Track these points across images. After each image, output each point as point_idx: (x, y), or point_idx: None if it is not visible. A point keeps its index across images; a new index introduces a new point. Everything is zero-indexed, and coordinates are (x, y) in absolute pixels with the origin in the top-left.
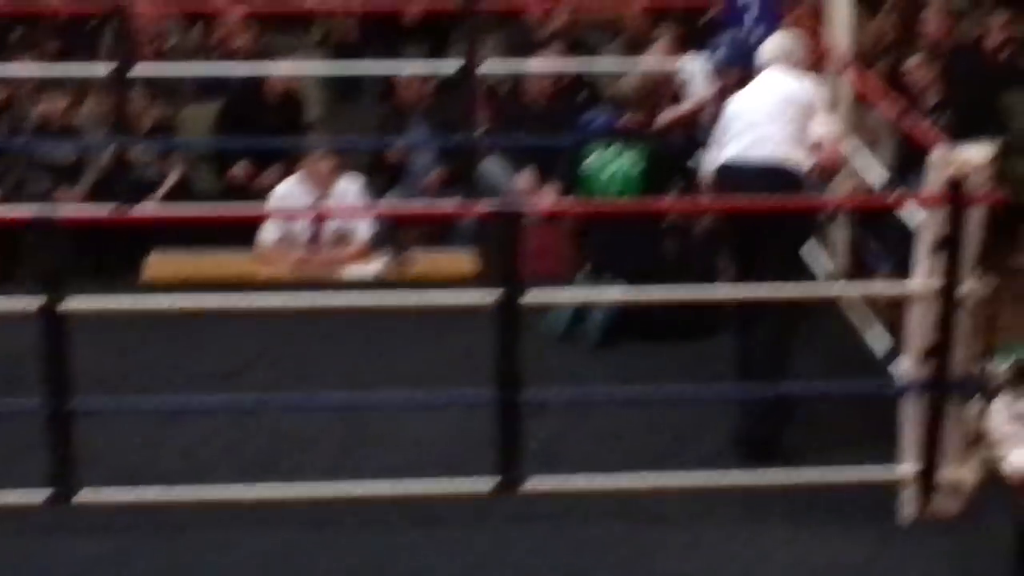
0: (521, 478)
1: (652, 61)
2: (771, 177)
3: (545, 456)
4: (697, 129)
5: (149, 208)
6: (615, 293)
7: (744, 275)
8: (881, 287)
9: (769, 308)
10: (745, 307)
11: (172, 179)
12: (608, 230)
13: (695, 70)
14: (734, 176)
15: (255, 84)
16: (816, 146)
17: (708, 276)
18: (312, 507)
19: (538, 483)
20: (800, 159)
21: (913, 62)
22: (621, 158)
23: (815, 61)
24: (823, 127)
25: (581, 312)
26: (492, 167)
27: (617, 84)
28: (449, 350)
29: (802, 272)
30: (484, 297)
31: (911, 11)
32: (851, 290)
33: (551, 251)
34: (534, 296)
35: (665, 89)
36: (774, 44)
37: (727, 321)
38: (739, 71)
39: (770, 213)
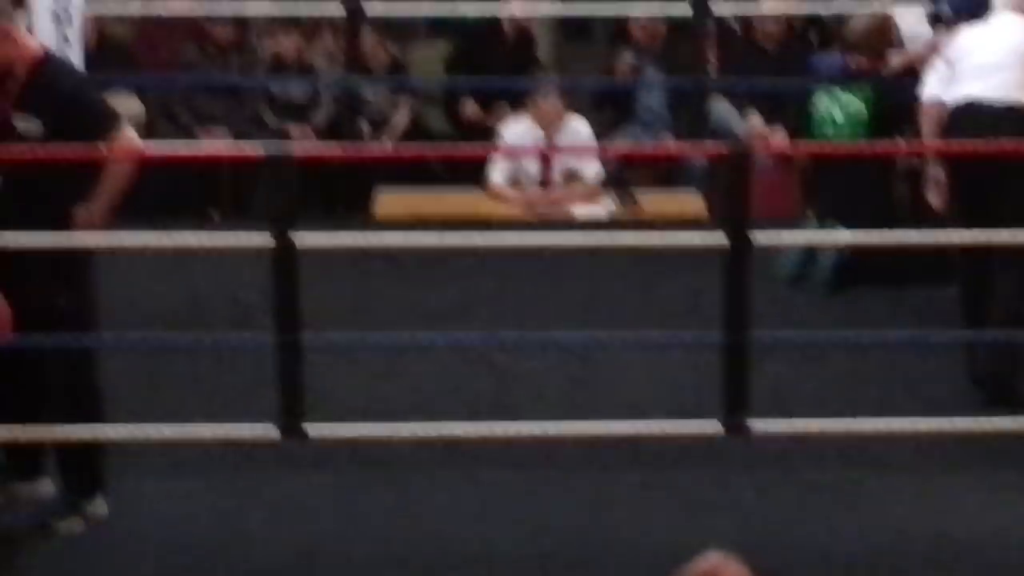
0: (747, 421)
1: (881, 4)
2: (1011, 121)
3: (772, 399)
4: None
5: (380, 146)
6: (845, 236)
7: (974, 219)
8: None
9: (1010, 255)
10: (979, 252)
11: (403, 118)
12: (837, 173)
13: (915, 18)
14: (970, 118)
15: (487, 23)
16: None
17: (939, 220)
18: (537, 446)
19: (765, 425)
20: None
21: None
22: (850, 101)
23: None
24: None
25: (810, 256)
26: (722, 109)
27: (847, 26)
28: (677, 291)
29: None
30: (713, 238)
31: None
32: None
33: (780, 194)
34: (763, 238)
35: (893, 33)
36: None
37: (958, 266)
38: (967, 18)
39: (1009, 157)
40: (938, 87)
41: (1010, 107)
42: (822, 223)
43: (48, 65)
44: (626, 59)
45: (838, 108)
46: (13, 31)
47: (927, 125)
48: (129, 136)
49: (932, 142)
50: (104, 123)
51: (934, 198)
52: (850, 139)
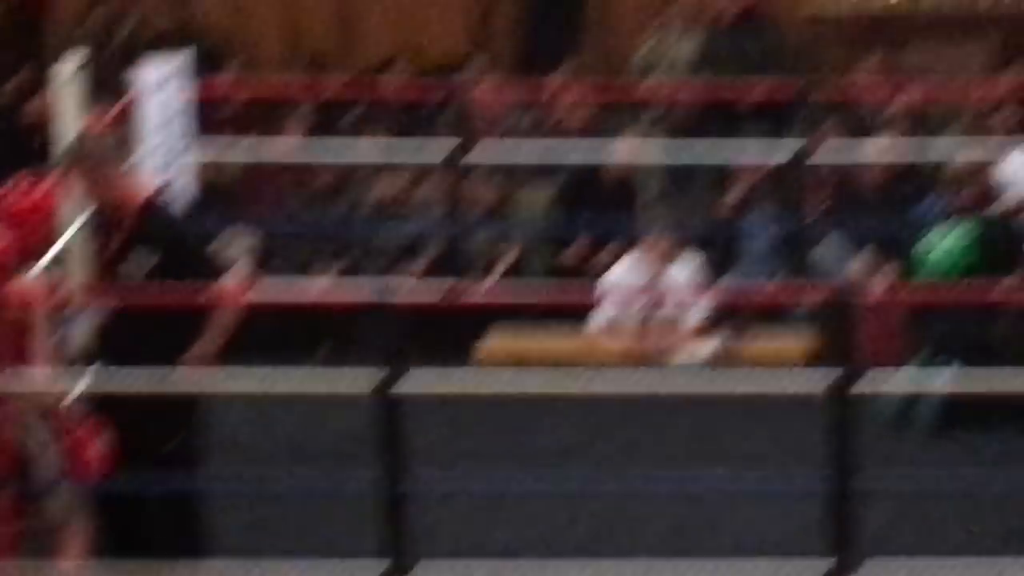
0: (855, 564)
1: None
2: None
3: (879, 542)
4: None
5: (484, 288)
6: (949, 377)
7: None
8: None
9: None
10: None
11: (508, 260)
12: (943, 310)
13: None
14: None
15: (591, 166)
16: None
17: None
18: None
19: (872, 569)
20: None
21: None
22: (953, 233)
23: None
24: None
25: (913, 398)
26: (828, 251)
27: (949, 166)
28: (781, 435)
29: None
30: (818, 382)
31: None
32: None
33: (886, 336)
34: (870, 382)
35: (992, 174)
36: None
37: None
38: None
39: None
40: None
41: None
42: (932, 359)
43: (156, 208)
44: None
45: (941, 242)
46: (123, 175)
47: None
48: (235, 280)
49: None
50: (209, 267)
51: None
52: (951, 270)
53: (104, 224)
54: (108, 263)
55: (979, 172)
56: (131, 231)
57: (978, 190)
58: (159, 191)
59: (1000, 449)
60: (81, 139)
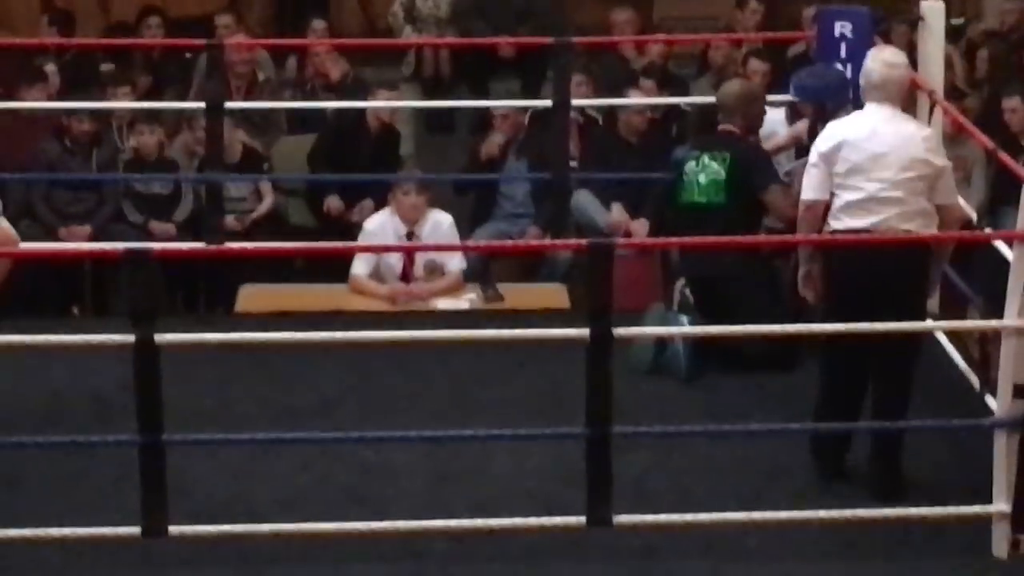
0: (611, 513)
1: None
2: (907, 257)
3: (636, 491)
4: None
5: (242, 242)
6: (699, 327)
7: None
8: (974, 322)
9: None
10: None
11: (264, 211)
12: (693, 256)
13: (776, 118)
14: (866, 250)
15: (350, 118)
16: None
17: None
18: (402, 540)
19: (628, 519)
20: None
21: (1010, 103)
22: (711, 163)
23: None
24: (950, 197)
25: (664, 343)
26: (585, 200)
27: (719, 91)
28: (540, 384)
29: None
30: (576, 331)
31: (1004, 46)
32: (945, 325)
33: (642, 284)
34: (625, 330)
35: (762, 106)
36: (883, 70)
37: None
38: (826, 105)
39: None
40: (819, 191)
41: (901, 242)
42: (678, 309)
43: None
44: (495, 140)
45: (701, 173)
46: None
47: (807, 224)
48: (4, 226)
49: (807, 237)
50: None
51: (808, 292)
52: (709, 202)
53: None
54: None
55: (747, 95)
56: None
57: (744, 115)
58: None
59: (749, 395)
60: None
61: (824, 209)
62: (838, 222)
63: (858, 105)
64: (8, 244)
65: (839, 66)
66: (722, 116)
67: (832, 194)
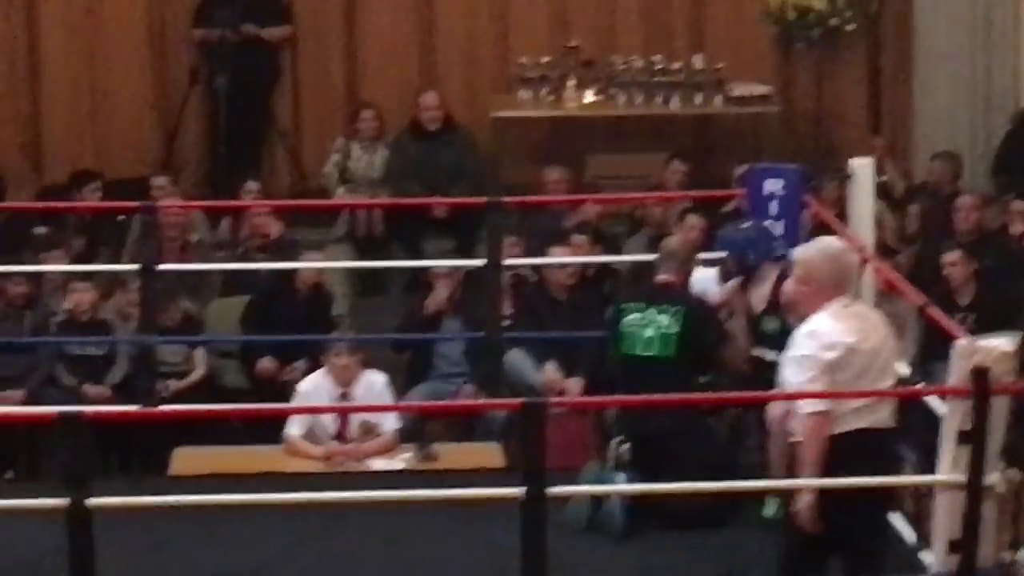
0: None
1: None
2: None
3: None
4: None
5: (177, 405)
6: (634, 485)
7: None
8: (908, 477)
9: None
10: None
11: (199, 374)
12: (629, 414)
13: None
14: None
15: (283, 279)
16: None
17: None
18: None
19: None
20: None
21: (950, 258)
22: (660, 317)
23: None
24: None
25: (600, 500)
26: (518, 359)
27: (665, 241)
28: (476, 543)
29: None
30: (511, 490)
31: (934, 202)
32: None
33: (577, 442)
34: (560, 489)
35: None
36: (838, 264)
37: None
38: (748, 257)
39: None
40: (828, 401)
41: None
42: (613, 467)
43: None
44: (440, 295)
45: (648, 324)
46: None
47: (817, 441)
48: None
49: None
50: None
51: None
52: (659, 355)
53: None
54: None
55: (687, 246)
56: None
57: (682, 267)
58: None
59: (685, 552)
60: None
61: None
62: (845, 425)
63: (782, 259)
64: None
65: (769, 223)
66: (664, 268)
67: None
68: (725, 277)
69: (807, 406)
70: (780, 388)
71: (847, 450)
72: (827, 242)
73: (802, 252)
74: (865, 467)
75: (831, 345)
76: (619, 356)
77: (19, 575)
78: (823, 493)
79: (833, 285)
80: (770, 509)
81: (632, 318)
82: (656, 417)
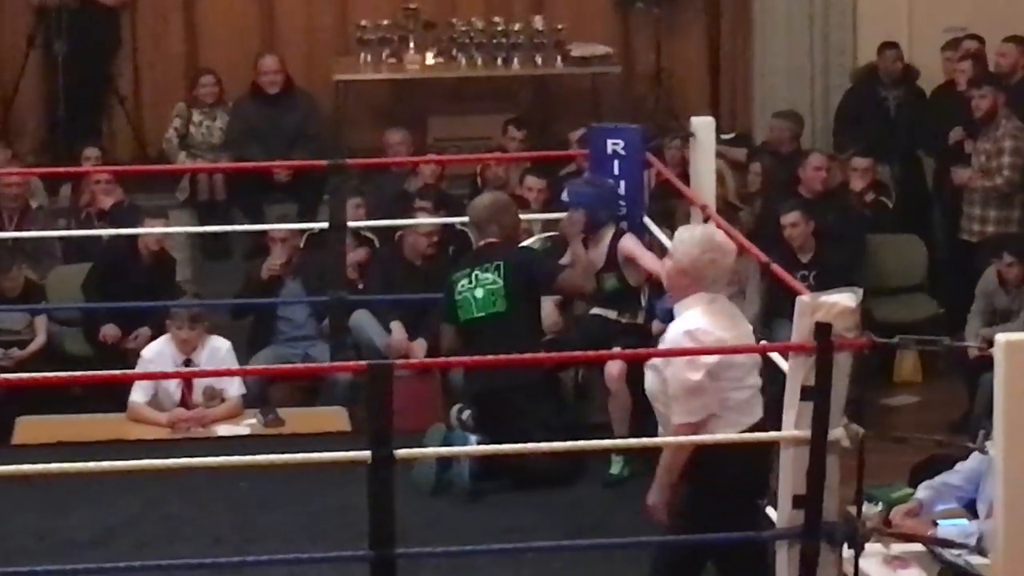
0: None
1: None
2: None
3: None
4: None
5: (17, 373)
6: (479, 447)
7: None
8: (751, 436)
9: None
10: None
11: (40, 342)
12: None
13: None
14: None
15: (125, 245)
16: None
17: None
18: None
19: None
20: None
21: (789, 219)
22: (484, 275)
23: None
24: None
25: (446, 462)
26: (363, 320)
27: (469, 206)
28: (323, 507)
29: None
30: (357, 453)
31: (775, 160)
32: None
33: (423, 404)
34: (407, 451)
35: (515, 216)
36: (710, 258)
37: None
38: (598, 214)
39: None
40: (710, 407)
41: None
42: (458, 427)
43: None
44: (276, 260)
45: (477, 287)
46: None
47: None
48: None
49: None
50: None
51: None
52: (492, 311)
53: None
54: None
55: (498, 206)
56: None
57: (499, 227)
58: None
59: (530, 511)
60: None
61: None
62: (722, 422)
63: (628, 220)
64: None
65: (611, 182)
66: (477, 232)
67: None
68: (568, 232)
69: (678, 417)
70: (652, 371)
71: (735, 451)
72: (713, 238)
73: (686, 242)
74: (742, 467)
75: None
76: (460, 325)
77: None
78: (692, 492)
79: (711, 281)
80: (616, 467)
81: (462, 285)
82: (499, 376)
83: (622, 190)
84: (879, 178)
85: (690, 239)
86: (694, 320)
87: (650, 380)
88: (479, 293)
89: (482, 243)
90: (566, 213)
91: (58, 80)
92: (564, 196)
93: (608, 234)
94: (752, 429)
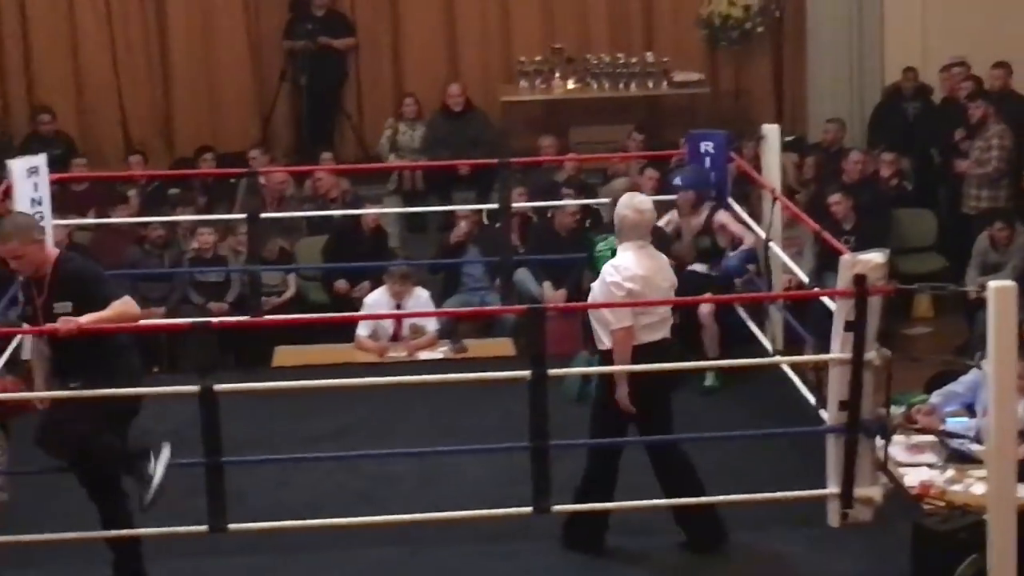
0: (550, 504)
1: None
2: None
3: (568, 487)
4: None
5: (275, 316)
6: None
7: None
8: (809, 357)
9: None
10: None
11: (291, 293)
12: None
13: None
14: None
15: (351, 222)
16: None
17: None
18: (399, 529)
19: (562, 507)
20: None
21: (834, 199)
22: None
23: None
24: None
25: (586, 378)
26: (524, 277)
27: (608, 186)
28: (496, 412)
29: None
30: (520, 373)
31: (826, 156)
32: (788, 359)
33: (568, 336)
34: (556, 371)
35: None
36: (638, 216)
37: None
38: (698, 193)
39: None
40: (631, 317)
41: None
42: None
43: (66, 262)
44: (461, 229)
45: (610, 248)
46: (43, 242)
47: (626, 345)
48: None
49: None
50: (113, 295)
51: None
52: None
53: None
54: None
55: (627, 187)
56: (52, 280)
57: None
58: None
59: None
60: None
61: None
62: (643, 339)
63: (718, 199)
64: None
65: (707, 170)
66: (611, 207)
67: None
68: (683, 208)
69: (615, 323)
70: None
71: (645, 356)
72: (632, 201)
73: (619, 206)
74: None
75: (631, 277)
76: (597, 273)
77: (166, 440)
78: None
79: (637, 231)
80: (709, 380)
81: (601, 245)
82: None
83: (713, 179)
84: (901, 168)
85: (620, 203)
86: (622, 258)
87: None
88: (611, 253)
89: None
90: (678, 194)
91: (302, 103)
92: (677, 180)
93: (706, 208)
94: (659, 343)
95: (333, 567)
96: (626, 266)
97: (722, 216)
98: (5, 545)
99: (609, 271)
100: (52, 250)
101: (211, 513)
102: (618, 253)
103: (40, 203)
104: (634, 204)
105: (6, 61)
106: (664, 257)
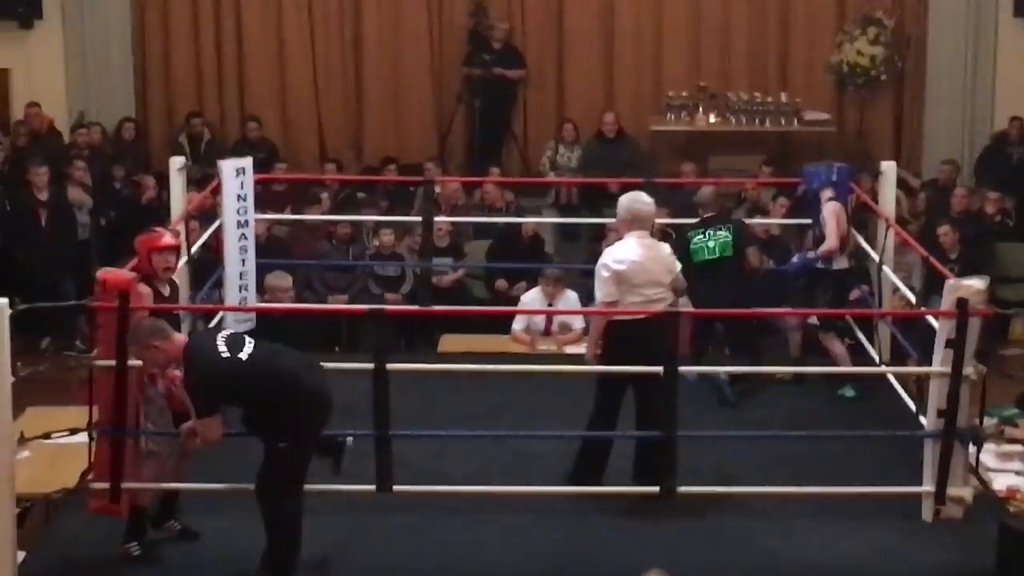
0: (676, 486)
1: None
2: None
3: (692, 472)
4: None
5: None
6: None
7: None
8: (913, 369)
9: None
10: None
11: (455, 276)
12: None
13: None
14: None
15: (512, 229)
16: None
17: None
18: (542, 499)
19: (687, 490)
20: None
21: (943, 230)
22: (718, 233)
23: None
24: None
25: (713, 378)
26: None
27: (700, 191)
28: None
29: None
30: (653, 368)
31: (937, 191)
32: (894, 370)
33: (688, 337)
34: (684, 368)
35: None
36: (642, 208)
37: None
38: (808, 181)
39: None
40: (615, 295)
41: None
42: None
43: (190, 352)
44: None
45: (710, 240)
46: (160, 347)
47: (604, 317)
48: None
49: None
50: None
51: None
52: (722, 256)
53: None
54: None
55: (715, 193)
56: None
57: (716, 207)
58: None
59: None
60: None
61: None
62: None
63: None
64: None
65: (834, 165)
66: (703, 208)
67: None
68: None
69: (600, 298)
70: None
71: (629, 330)
72: (640, 196)
73: (621, 203)
74: (644, 339)
75: (620, 261)
76: (692, 265)
77: (340, 413)
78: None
79: (637, 225)
80: (848, 391)
81: (697, 239)
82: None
83: (835, 176)
84: (1004, 206)
85: (622, 201)
86: (621, 245)
87: None
88: (711, 244)
89: (706, 215)
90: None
91: (475, 123)
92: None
93: (827, 196)
94: (644, 322)
95: (479, 528)
96: (621, 252)
97: (831, 209)
98: (201, 492)
99: (604, 255)
100: (178, 343)
101: (379, 476)
102: (621, 241)
103: (244, 199)
104: (640, 201)
105: (225, 75)
106: (666, 247)
